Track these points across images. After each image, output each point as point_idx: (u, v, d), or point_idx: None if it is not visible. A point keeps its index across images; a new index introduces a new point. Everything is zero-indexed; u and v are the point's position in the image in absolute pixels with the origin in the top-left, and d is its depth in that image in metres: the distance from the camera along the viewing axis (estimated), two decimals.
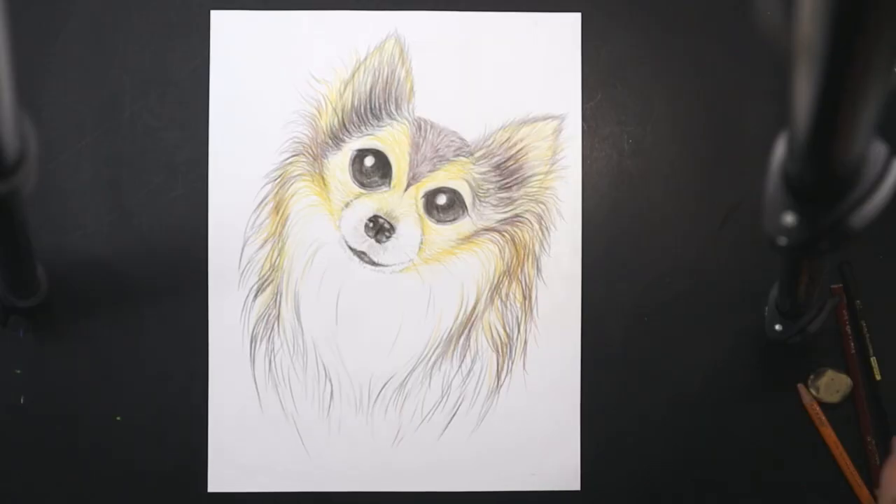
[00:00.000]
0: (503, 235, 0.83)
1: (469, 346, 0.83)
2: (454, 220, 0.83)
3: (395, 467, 0.82)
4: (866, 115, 0.41)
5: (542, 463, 0.82)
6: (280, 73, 0.83)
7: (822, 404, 0.82)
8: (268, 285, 0.82)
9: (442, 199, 0.82)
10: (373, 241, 0.82)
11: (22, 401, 0.82)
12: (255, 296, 0.82)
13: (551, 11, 0.83)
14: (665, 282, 0.82)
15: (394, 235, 0.82)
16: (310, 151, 0.83)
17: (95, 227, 0.82)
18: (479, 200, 0.83)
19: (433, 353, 0.83)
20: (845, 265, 0.81)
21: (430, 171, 0.82)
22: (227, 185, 0.82)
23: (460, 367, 0.83)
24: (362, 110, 0.83)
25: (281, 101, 0.83)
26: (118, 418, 0.82)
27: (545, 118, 0.83)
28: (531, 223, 0.83)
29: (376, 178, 0.82)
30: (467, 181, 0.83)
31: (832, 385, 0.82)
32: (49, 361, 0.82)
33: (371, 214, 0.82)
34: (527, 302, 0.83)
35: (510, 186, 0.83)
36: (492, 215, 0.83)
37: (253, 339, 0.82)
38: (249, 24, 0.83)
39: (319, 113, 0.83)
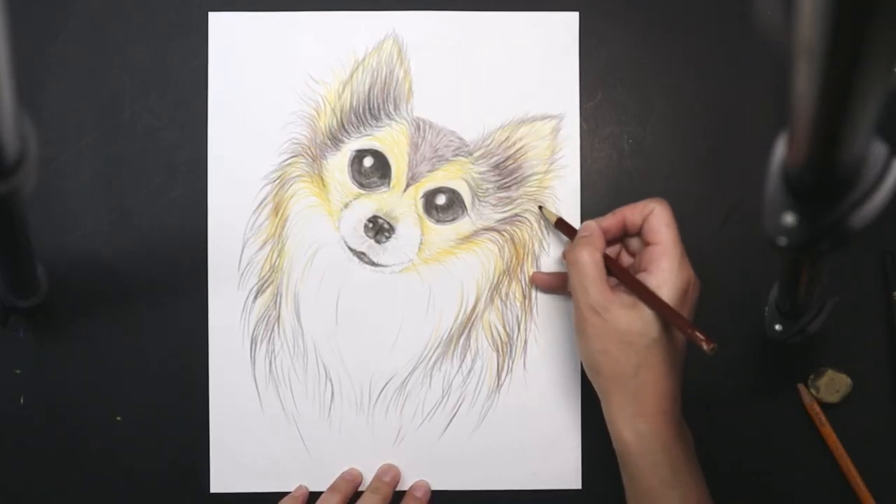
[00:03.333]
0: (502, 235, 0.83)
1: (469, 345, 0.83)
2: (453, 219, 0.83)
3: (397, 467, 0.83)
4: (866, 115, 0.41)
5: (544, 461, 0.82)
6: (278, 75, 0.83)
7: (822, 404, 0.82)
8: (267, 286, 0.82)
9: (441, 199, 0.82)
10: (372, 241, 0.82)
11: (22, 401, 0.82)
12: (255, 297, 0.82)
13: (549, 11, 0.83)
14: None
15: (393, 236, 0.82)
16: (308, 152, 0.83)
17: (95, 227, 0.82)
18: (479, 200, 0.83)
19: (433, 353, 0.83)
20: (887, 255, 0.82)
21: (429, 171, 0.82)
22: (226, 187, 0.82)
23: (461, 366, 0.83)
24: (361, 111, 0.83)
25: (279, 102, 0.83)
26: (118, 418, 0.82)
27: (543, 118, 0.83)
28: (530, 222, 0.83)
29: (375, 179, 0.82)
30: (466, 181, 0.83)
31: (832, 385, 0.82)
32: (49, 361, 0.82)
33: (370, 215, 0.82)
34: (527, 301, 0.83)
35: (509, 186, 0.83)
36: (491, 215, 0.83)
37: (253, 341, 0.82)
38: (247, 26, 0.83)
39: (318, 114, 0.83)
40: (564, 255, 0.82)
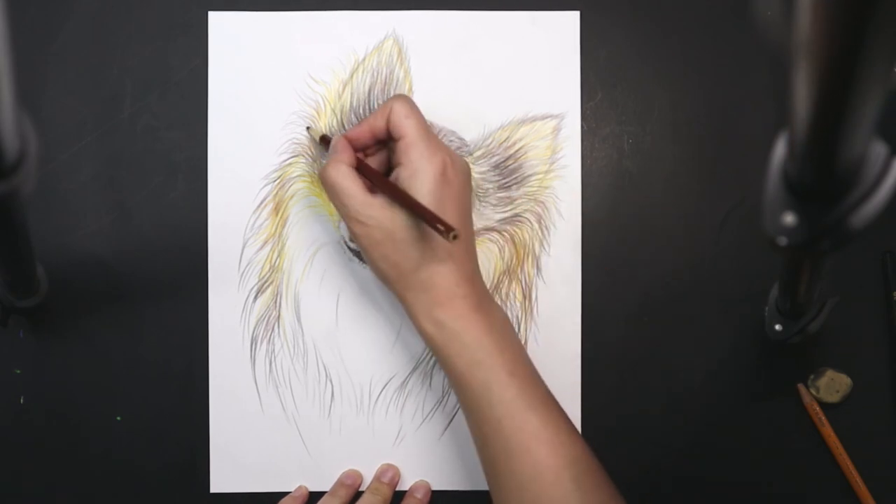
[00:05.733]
0: (503, 235, 0.83)
1: None
2: None
3: (397, 467, 0.82)
4: (866, 115, 0.41)
5: None
6: (278, 75, 0.83)
7: (822, 404, 0.82)
8: (268, 287, 0.82)
9: None
10: None
11: (22, 401, 0.82)
12: (255, 297, 0.82)
13: (550, 10, 0.83)
14: (665, 282, 0.82)
15: None
16: (309, 152, 0.83)
17: (95, 227, 0.82)
18: (479, 200, 0.83)
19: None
20: (887, 255, 0.82)
21: None
22: (226, 187, 0.82)
23: None
24: (361, 111, 0.83)
25: (280, 102, 0.83)
26: (119, 418, 0.82)
27: (544, 117, 0.83)
28: (531, 223, 0.83)
29: None
30: None
31: (832, 385, 0.82)
32: (49, 361, 0.82)
33: None
34: (527, 301, 0.83)
35: (509, 186, 0.83)
36: (491, 215, 0.83)
37: (253, 341, 0.82)
38: (247, 26, 0.83)
39: (318, 114, 0.83)
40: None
